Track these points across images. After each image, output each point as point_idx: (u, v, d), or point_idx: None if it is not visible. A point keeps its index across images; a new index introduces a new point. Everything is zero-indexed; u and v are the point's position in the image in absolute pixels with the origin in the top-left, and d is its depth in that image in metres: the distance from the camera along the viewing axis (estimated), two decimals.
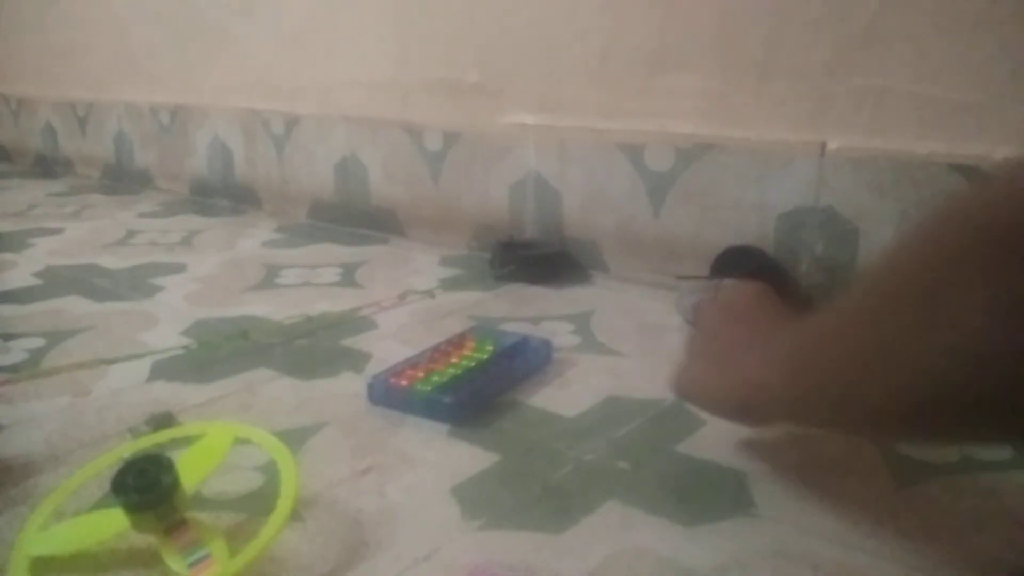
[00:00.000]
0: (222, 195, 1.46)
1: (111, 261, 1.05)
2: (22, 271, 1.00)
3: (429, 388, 0.59)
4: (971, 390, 0.31)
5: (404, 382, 0.60)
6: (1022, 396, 0.30)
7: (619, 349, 0.72)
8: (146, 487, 0.41)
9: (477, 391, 0.59)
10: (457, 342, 0.68)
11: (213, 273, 0.99)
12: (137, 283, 0.95)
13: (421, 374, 0.61)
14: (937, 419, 0.34)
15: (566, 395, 0.62)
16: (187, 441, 0.49)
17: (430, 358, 0.64)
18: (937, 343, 0.32)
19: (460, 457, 0.53)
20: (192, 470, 0.45)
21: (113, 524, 0.42)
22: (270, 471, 0.49)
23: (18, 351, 0.73)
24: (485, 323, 0.78)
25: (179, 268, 1.01)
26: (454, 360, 0.64)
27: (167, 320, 0.81)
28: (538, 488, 0.49)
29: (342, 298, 0.87)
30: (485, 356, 0.65)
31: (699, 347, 0.53)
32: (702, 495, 0.48)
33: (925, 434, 0.40)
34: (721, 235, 0.84)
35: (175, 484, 0.42)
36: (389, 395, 0.59)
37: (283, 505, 0.42)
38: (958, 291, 0.31)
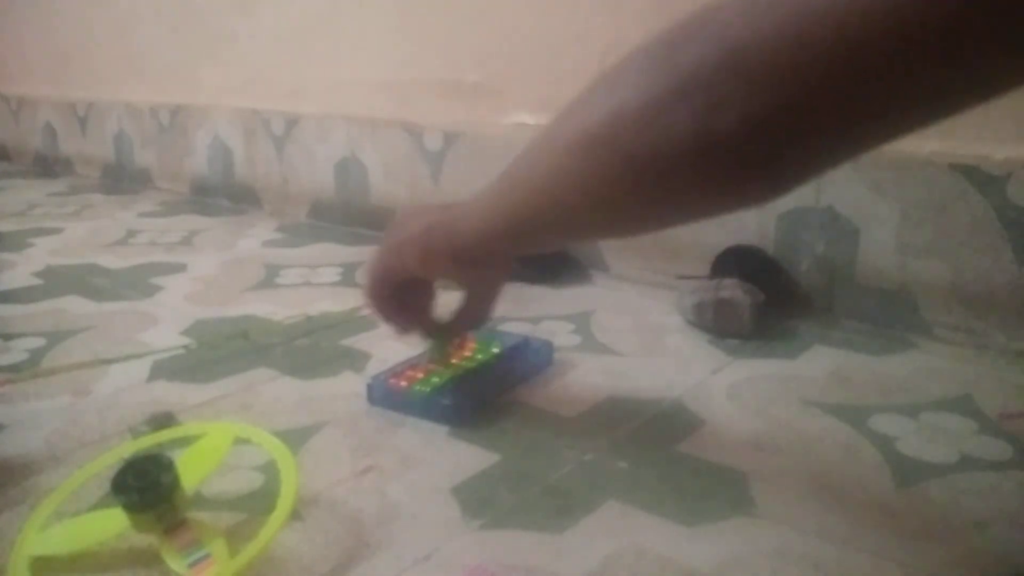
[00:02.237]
0: (222, 195, 1.46)
1: (111, 261, 1.05)
2: (22, 271, 1.00)
3: (428, 389, 0.59)
4: None
5: (403, 383, 0.60)
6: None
7: (619, 349, 0.72)
8: (146, 487, 0.41)
9: (476, 392, 0.59)
10: (459, 343, 0.68)
11: (213, 273, 0.99)
12: (137, 283, 0.95)
13: (420, 375, 0.61)
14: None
15: (566, 395, 0.62)
16: (187, 441, 0.49)
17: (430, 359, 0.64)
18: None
19: (460, 457, 0.53)
20: (192, 470, 0.45)
21: (113, 524, 0.42)
22: (270, 471, 0.49)
23: (18, 351, 0.73)
24: (492, 325, 0.78)
25: (179, 268, 1.01)
26: (454, 361, 0.64)
27: (167, 320, 0.81)
28: (538, 488, 0.49)
29: (342, 298, 0.87)
30: (486, 357, 0.65)
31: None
32: (702, 495, 0.48)
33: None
34: (721, 235, 0.84)
35: (175, 484, 0.42)
36: (388, 396, 0.59)
37: (283, 505, 0.42)
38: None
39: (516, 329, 0.76)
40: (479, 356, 0.65)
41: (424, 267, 0.54)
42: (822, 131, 0.33)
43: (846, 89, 0.31)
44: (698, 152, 0.35)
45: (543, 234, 0.48)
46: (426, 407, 0.58)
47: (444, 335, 0.62)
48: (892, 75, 0.31)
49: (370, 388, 0.60)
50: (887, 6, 0.29)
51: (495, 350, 0.66)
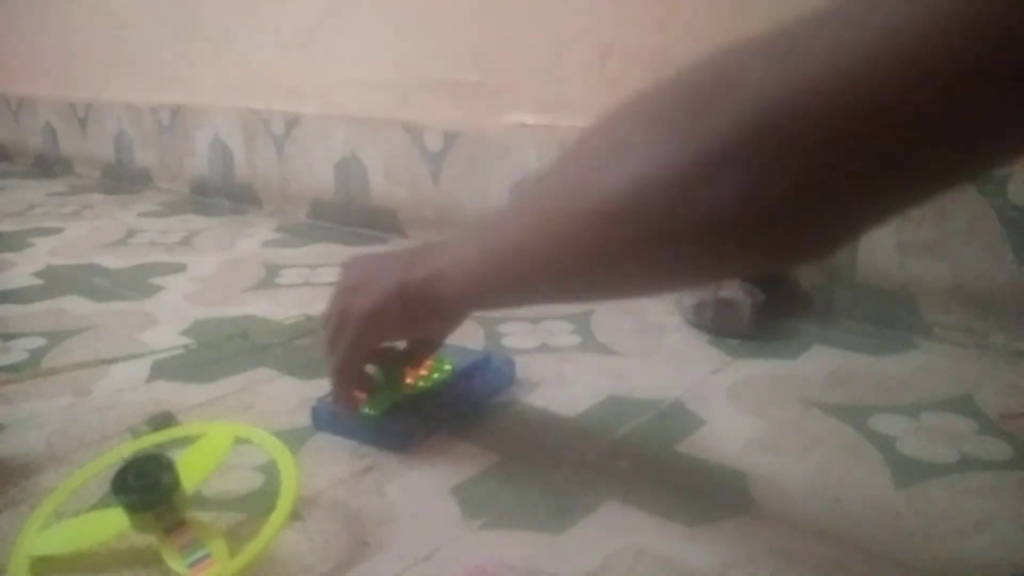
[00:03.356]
0: (222, 195, 1.46)
1: (111, 261, 1.05)
2: (22, 271, 1.00)
3: (376, 413, 0.55)
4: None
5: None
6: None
7: (619, 349, 0.72)
8: (146, 487, 0.41)
9: (430, 415, 0.55)
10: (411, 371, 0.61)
11: (213, 273, 0.99)
12: (137, 283, 0.95)
13: (365, 397, 0.56)
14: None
15: (566, 395, 0.62)
16: (187, 441, 0.49)
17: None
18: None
19: (460, 457, 0.53)
20: (192, 470, 0.45)
21: (113, 524, 0.42)
22: (270, 471, 0.49)
23: (18, 351, 0.73)
24: (492, 325, 0.78)
25: (179, 268, 1.01)
26: (408, 380, 0.59)
27: (167, 320, 0.81)
28: (538, 488, 0.49)
29: None
30: (441, 376, 0.60)
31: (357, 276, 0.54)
32: (702, 495, 0.48)
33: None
34: None
35: (175, 484, 0.42)
36: (333, 420, 0.55)
37: (283, 505, 0.42)
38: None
39: (516, 329, 0.76)
40: (435, 375, 0.60)
41: (407, 333, 0.52)
42: (880, 190, 0.31)
43: (904, 144, 0.29)
44: (745, 224, 0.32)
45: (534, 297, 0.47)
46: (375, 433, 0.54)
47: (396, 365, 0.57)
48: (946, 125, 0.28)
49: (315, 412, 0.56)
50: (937, 49, 0.26)
51: (452, 368, 0.61)
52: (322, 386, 0.64)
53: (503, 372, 0.63)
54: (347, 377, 0.53)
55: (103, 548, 0.43)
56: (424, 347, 0.57)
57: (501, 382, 0.63)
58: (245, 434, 0.48)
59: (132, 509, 0.41)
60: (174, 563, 0.40)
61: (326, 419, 0.56)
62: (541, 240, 0.41)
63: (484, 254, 0.46)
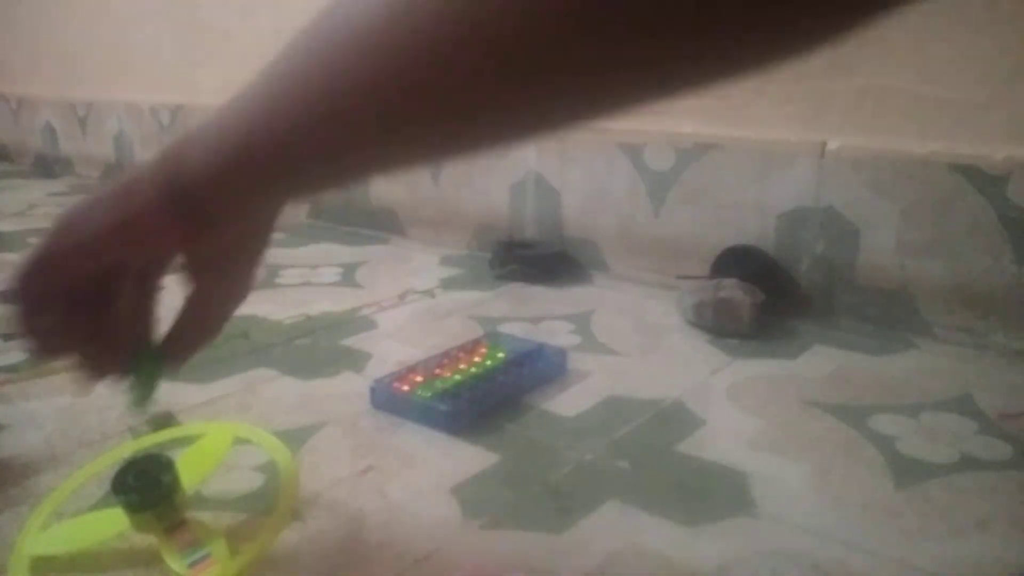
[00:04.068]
0: None
1: None
2: None
3: (429, 395, 0.58)
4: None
5: (405, 387, 0.60)
6: None
7: (619, 349, 0.72)
8: (146, 487, 0.41)
9: (477, 400, 0.58)
10: (470, 348, 0.67)
11: None
12: None
13: (421, 379, 0.61)
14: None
15: (566, 395, 0.62)
16: (187, 441, 0.49)
17: (439, 363, 0.64)
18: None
19: (460, 457, 0.53)
20: (192, 470, 0.45)
21: (113, 524, 0.42)
22: (270, 471, 0.49)
23: (18, 351, 0.72)
24: (493, 325, 0.78)
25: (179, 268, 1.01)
26: (463, 366, 0.63)
27: (167, 320, 0.81)
28: (538, 488, 0.49)
29: (342, 298, 0.87)
30: (494, 363, 0.64)
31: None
32: (702, 495, 0.48)
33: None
34: (721, 235, 0.84)
35: (175, 484, 0.42)
36: (390, 400, 0.59)
37: (283, 505, 0.42)
38: None
39: (516, 329, 0.76)
40: (488, 362, 0.64)
41: (136, 240, 0.34)
42: None
43: None
44: None
45: (319, 159, 0.30)
46: (423, 412, 0.57)
47: (156, 358, 0.41)
48: None
49: (373, 391, 0.60)
50: None
51: (505, 356, 0.65)
52: (323, 386, 0.64)
53: (554, 362, 0.66)
54: (39, 310, 0.36)
55: (103, 548, 0.43)
56: (195, 320, 0.40)
57: (551, 371, 0.65)
58: (245, 434, 0.48)
59: (132, 509, 0.41)
60: (174, 563, 0.40)
61: (383, 399, 0.59)
62: (322, 60, 0.28)
63: (246, 97, 0.31)
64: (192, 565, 0.40)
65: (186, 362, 0.41)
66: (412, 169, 0.32)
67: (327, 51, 0.28)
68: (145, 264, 0.38)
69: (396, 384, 0.60)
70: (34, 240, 1.21)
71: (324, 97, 0.28)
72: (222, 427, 0.49)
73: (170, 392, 0.63)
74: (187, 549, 0.41)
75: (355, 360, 0.70)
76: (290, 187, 0.33)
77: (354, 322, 0.79)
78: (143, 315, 0.40)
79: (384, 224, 1.19)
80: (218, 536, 0.41)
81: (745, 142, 0.82)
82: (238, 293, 0.40)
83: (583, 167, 0.94)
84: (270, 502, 0.42)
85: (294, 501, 0.42)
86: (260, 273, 0.39)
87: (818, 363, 0.68)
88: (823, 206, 0.77)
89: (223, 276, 0.39)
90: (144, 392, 0.40)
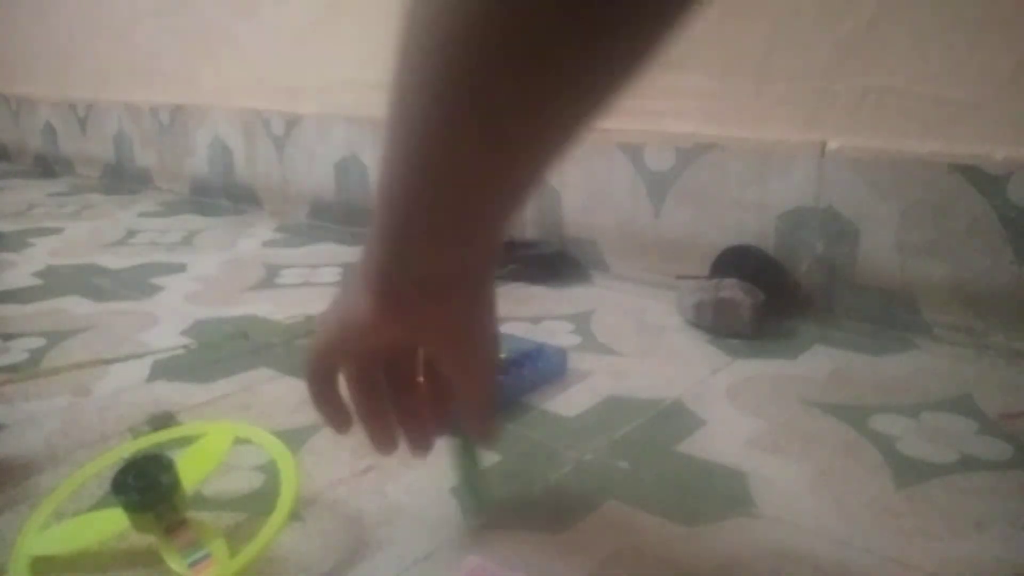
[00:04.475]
0: (222, 195, 1.46)
1: (111, 261, 1.05)
2: (22, 271, 1.00)
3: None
4: None
5: None
6: None
7: (619, 349, 0.72)
8: (146, 487, 0.41)
9: None
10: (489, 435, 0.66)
11: (213, 273, 0.99)
12: (137, 283, 0.95)
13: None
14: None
15: (566, 395, 0.62)
16: (187, 441, 0.49)
17: None
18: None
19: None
20: (192, 470, 0.45)
21: (113, 524, 0.42)
22: (270, 471, 0.49)
23: (18, 351, 0.72)
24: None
25: (179, 268, 1.01)
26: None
27: (167, 320, 0.81)
28: (538, 488, 0.49)
29: None
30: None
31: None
32: (702, 495, 0.48)
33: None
34: (721, 235, 0.84)
35: (175, 484, 0.42)
36: None
37: (283, 505, 0.42)
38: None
39: (516, 329, 0.76)
40: None
41: (363, 349, 0.38)
42: None
43: None
44: None
45: (468, 185, 0.31)
46: None
47: (464, 444, 0.44)
48: None
49: None
50: None
51: (505, 356, 0.65)
52: None
53: (554, 362, 0.66)
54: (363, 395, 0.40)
55: (103, 548, 0.43)
56: (467, 393, 0.40)
57: (552, 372, 0.65)
58: (245, 434, 0.48)
59: (132, 509, 0.41)
60: (174, 563, 0.40)
61: None
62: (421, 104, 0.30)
63: (387, 180, 0.33)
64: (192, 565, 0.40)
65: (490, 436, 0.43)
66: (559, 149, 0.32)
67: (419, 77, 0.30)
68: (392, 360, 0.40)
69: None
70: (34, 240, 1.21)
71: (436, 118, 0.30)
72: (222, 427, 0.49)
73: (170, 392, 0.63)
74: (187, 549, 0.41)
75: None
76: (461, 229, 0.34)
77: None
78: (408, 403, 0.42)
79: None
80: (218, 536, 0.41)
81: (745, 142, 0.82)
82: (488, 348, 0.40)
83: (583, 167, 0.94)
84: (270, 502, 0.42)
85: (294, 501, 0.42)
86: (497, 318, 0.39)
87: (818, 363, 0.68)
88: (823, 206, 0.77)
89: (466, 341, 0.38)
90: (469, 462, 0.44)
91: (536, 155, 0.31)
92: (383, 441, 0.42)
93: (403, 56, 0.30)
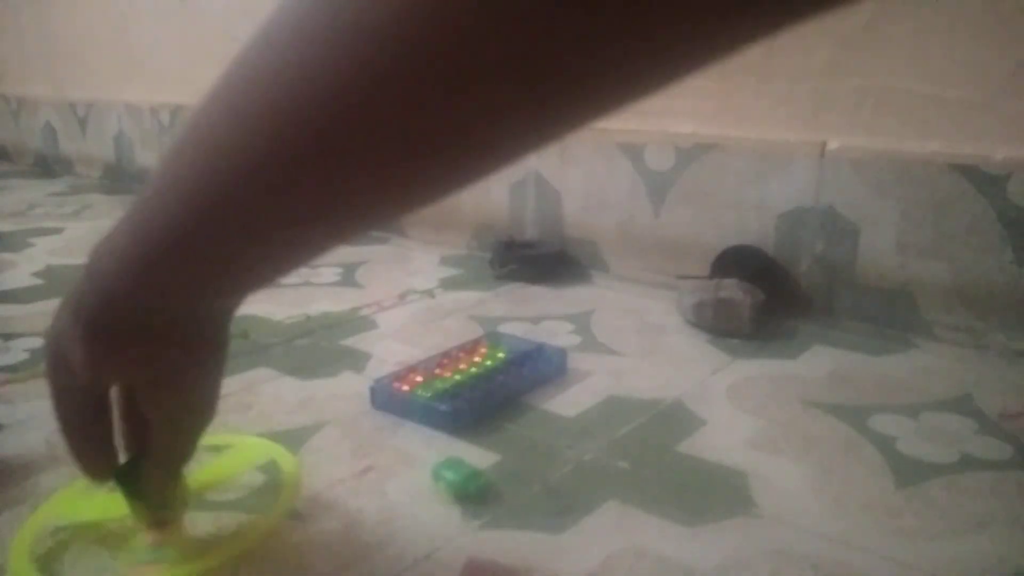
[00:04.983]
0: None
1: None
2: (22, 271, 1.00)
3: (429, 394, 0.58)
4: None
5: (405, 387, 0.60)
6: None
7: (619, 349, 0.72)
8: (136, 476, 0.41)
9: (477, 400, 0.58)
10: (470, 348, 0.67)
11: None
12: None
13: (421, 379, 0.61)
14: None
15: (566, 395, 0.62)
16: (215, 449, 0.50)
17: (439, 363, 0.64)
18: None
19: (460, 456, 0.52)
20: (211, 475, 0.45)
21: (117, 506, 0.43)
22: (270, 471, 0.49)
23: (18, 351, 0.72)
24: (493, 325, 0.78)
25: None
26: (463, 366, 0.63)
27: None
28: (538, 488, 0.49)
29: (342, 297, 0.87)
30: (494, 363, 0.64)
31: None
32: (703, 495, 0.48)
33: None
34: (721, 235, 0.84)
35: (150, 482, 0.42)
36: (390, 400, 0.59)
37: (245, 536, 0.42)
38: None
39: (516, 329, 0.76)
40: (488, 362, 0.64)
41: (84, 369, 0.31)
42: None
43: None
44: None
45: (254, 236, 0.26)
46: (424, 412, 0.57)
47: (133, 477, 0.39)
48: None
49: (373, 391, 0.60)
50: None
51: (505, 356, 0.65)
52: (323, 386, 0.64)
53: (554, 362, 0.66)
54: (67, 429, 0.35)
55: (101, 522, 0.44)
56: (160, 445, 0.36)
57: (551, 371, 0.65)
58: (273, 454, 0.49)
59: (125, 494, 0.41)
60: (128, 555, 0.41)
61: (383, 399, 0.59)
62: (258, 119, 0.24)
63: (147, 203, 0.28)
64: (140, 564, 0.40)
65: (166, 483, 0.38)
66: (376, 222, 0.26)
67: (241, 95, 0.25)
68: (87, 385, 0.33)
69: (396, 384, 0.60)
70: (34, 240, 1.20)
71: (260, 159, 0.24)
72: (254, 444, 0.50)
73: None
74: (154, 548, 0.41)
75: (355, 360, 0.70)
76: (226, 281, 0.28)
77: (354, 322, 0.79)
78: (94, 431, 0.36)
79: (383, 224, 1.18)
80: (192, 550, 0.41)
81: (745, 142, 0.82)
82: (202, 411, 0.36)
83: (583, 167, 0.94)
84: (270, 501, 0.42)
85: (262, 536, 0.42)
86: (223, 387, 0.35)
87: (818, 363, 0.68)
88: (823, 206, 0.77)
89: (187, 394, 0.34)
90: (138, 506, 0.40)
91: (378, 220, 0.26)
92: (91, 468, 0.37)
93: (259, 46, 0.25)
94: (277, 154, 0.23)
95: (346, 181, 0.23)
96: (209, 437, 0.48)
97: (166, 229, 0.27)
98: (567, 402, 0.61)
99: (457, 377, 0.61)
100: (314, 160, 0.23)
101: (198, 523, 0.44)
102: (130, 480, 0.39)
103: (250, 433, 0.54)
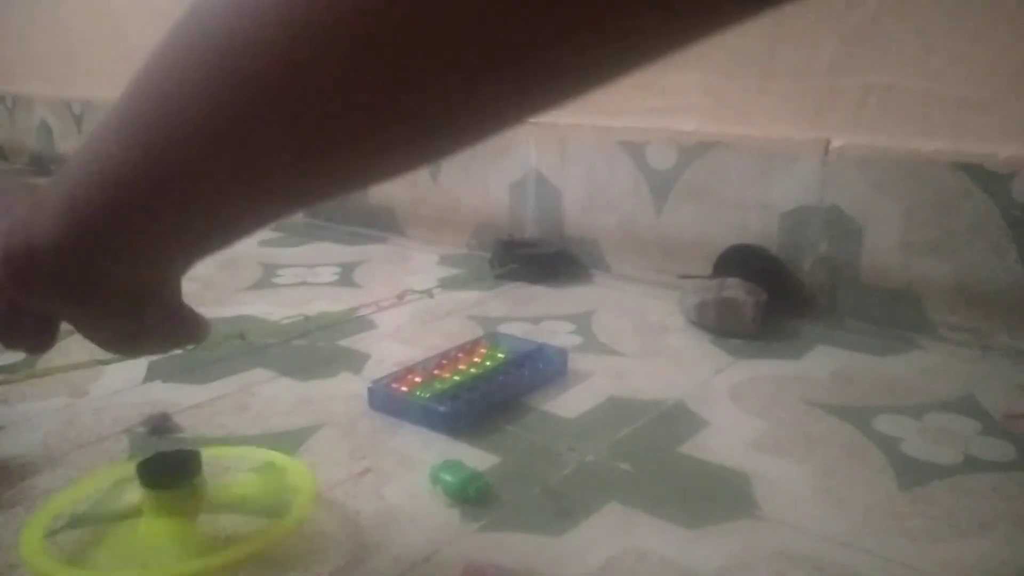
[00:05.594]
0: None
1: None
2: None
3: (428, 395, 0.58)
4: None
5: (404, 388, 0.59)
6: None
7: (620, 349, 0.71)
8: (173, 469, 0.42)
9: (476, 401, 0.57)
10: (469, 348, 0.66)
11: (210, 272, 0.99)
12: None
13: (419, 380, 0.60)
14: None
15: (567, 396, 0.61)
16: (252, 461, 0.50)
17: (438, 364, 0.63)
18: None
19: (460, 458, 0.52)
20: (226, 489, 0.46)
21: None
22: (271, 471, 0.49)
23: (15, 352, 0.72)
24: (492, 325, 0.78)
25: None
26: (462, 367, 0.63)
27: None
28: (538, 490, 0.48)
29: (340, 298, 0.87)
30: (494, 364, 0.64)
31: None
32: (705, 496, 0.48)
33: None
34: (724, 234, 0.83)
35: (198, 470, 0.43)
36: (388, 401, 0.58)
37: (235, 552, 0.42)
38: None
39: (516, 329, 0.75)
40: (487, 363, 0.64)
41: (16, 292, 0.31)
42: None
43: None
44: None
45: (203, 199, 0.26)
46: (423, 413, 0.56)
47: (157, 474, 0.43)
48: None
49: (371, 392, 0.59)
50: None
51: (505, 357, 0.65)
52: (321, 386, 0.64)
53: (554, 363, 0.65)
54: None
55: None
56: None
57: (552, 372, 0.64)
58: (282, 465, 0.49)
59: (156, 487, 0.42)
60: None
61: (381, 400, 0.59)
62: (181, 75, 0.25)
63: (99, 140, 0.28)
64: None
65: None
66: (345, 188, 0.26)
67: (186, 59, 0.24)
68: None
69: (394, 385, 0.59)
70: None
71: (208, 114, 0.24)
72: (266, 456, 0.50)
73: (166, 393, 0.63)
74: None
75: (353, 361, 0.69)
76: (162, 245, 0.28)
77: (352, 322, 0.79)
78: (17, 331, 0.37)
79: (382, 223, 1.18)
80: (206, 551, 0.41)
81: (748, 140, 0.81)
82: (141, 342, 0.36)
83: (584, 165, 0.94)
84: (272, 503, 0.42)
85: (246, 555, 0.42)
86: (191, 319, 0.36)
87: (821, 363, 0.68)
88: (827, 205, 0.77)
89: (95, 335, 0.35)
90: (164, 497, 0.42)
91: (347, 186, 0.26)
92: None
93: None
94: (221, 110, 0.23)
95: (286, 148, 0.23)
96: (219, 450, 0.49)
97: (106, 183, 0.27)
98: (568, 403, 0.60)
99: (456, 378, 0.61)
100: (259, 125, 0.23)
101: (211, 524, 0.44)
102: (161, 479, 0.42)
103: (249, 433, 0.54)
